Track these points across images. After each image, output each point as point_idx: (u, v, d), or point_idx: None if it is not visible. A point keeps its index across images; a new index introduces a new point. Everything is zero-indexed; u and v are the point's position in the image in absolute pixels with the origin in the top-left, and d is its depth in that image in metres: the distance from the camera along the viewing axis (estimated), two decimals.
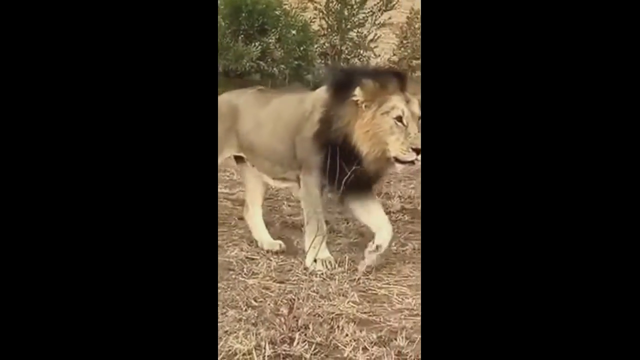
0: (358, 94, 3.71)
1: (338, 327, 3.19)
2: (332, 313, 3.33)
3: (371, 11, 8.75)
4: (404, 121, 3.65)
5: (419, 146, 3.58)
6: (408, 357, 3.00)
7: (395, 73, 3.87)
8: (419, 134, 3.62)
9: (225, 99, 4.16)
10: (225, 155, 4.21)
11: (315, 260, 3.86)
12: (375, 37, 8.68)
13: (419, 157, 3.61)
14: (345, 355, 3.01)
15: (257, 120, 4.13)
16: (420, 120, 3.67)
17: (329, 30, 8.48)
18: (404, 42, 8.98)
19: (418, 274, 3.76)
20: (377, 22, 8.75)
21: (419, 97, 3.42)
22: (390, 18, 8.98)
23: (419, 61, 8.86)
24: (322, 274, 3.79)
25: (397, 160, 3.69)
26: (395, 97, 3.70)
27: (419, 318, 3.38)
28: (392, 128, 3.66)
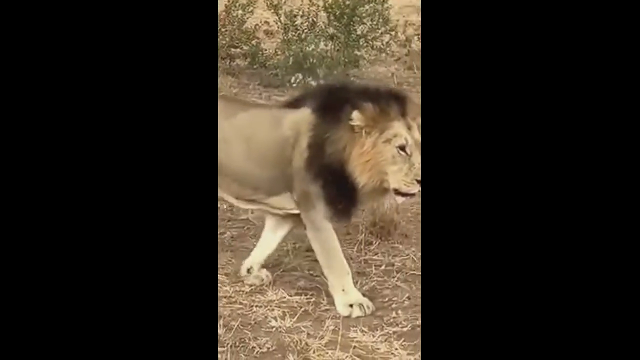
0: (357, 118, 3.35)
1: None
2: None
3: None
4: (407, 150, 3.32)
5: None
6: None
7: (394, 96, 3.47)
8: None
9: None
10: None
11: (351, 306, 3.48)
12: None
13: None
14: None
15: (222, 135, 3.37)
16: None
17: None
18: None
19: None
20: None
21: (419, 121, 3.32)
22: None
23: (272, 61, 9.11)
24: None
25: (398, 192, 3.36)
26: (397, 123, 3.36)
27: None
28: (394, 157, 3.32)
